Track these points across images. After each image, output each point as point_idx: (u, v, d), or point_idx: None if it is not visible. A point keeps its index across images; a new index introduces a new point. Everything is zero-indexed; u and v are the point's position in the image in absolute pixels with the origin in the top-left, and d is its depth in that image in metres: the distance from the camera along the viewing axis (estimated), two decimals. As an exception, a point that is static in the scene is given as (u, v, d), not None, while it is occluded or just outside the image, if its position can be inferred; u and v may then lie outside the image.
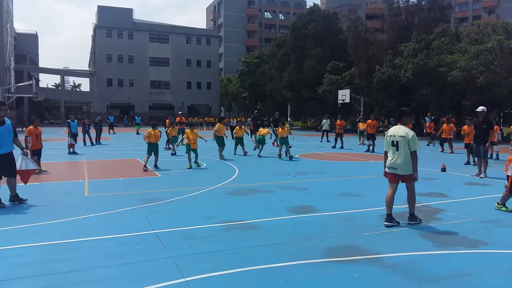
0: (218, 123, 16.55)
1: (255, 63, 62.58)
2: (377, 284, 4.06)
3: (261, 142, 16.79)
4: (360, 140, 24.11)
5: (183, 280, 4.14)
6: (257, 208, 7.41)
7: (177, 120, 25.17)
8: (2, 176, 7.57)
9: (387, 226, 6.15)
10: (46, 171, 11.64)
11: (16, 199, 7.60)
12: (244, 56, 71.07)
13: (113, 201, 7.94)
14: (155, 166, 12.75)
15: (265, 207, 7.47)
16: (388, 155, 6.37)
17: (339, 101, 39.15)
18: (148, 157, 12.46)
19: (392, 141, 6.26)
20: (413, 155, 6.12)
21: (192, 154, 13.27)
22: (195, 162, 13.34)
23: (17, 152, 7.80)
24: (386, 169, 6.40)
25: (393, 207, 6.29)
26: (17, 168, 7.86)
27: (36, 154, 11.50)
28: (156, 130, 12.86)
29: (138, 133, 34.64)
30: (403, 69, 31.29)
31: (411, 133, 6.15)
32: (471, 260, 4.81)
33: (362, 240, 5.47)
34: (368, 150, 18.70)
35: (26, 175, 8.09)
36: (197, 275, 4.27)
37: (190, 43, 70.03)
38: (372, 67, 35.94)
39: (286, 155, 15.68)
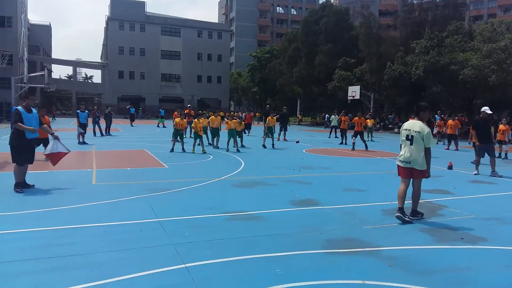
0: (212, 116, 17.69)
1: (266, 58, 62.46)
2: (373, 275, 4.12)
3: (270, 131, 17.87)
4: (367, 136, 24.07)
5: (183, 266, 4.25)
6: (260, 200, 7.50)
7: (185, 113, 25.37)
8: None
9: (397, 218, 6.12)
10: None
11: (18, 186, 7.76)
12: (255, 50, 70.99)
13: (120, 189, 8.09)
14: (183, 149, 14.93)
15: (269, 200, 7.55)
16: (402, 148, 6.34)
17: (349, 98, 39.01)
18: (175, 142, 14.96)
19: (407, 135, 6.24)
20: (427, 151, 6.11)
21: (198, 141, 15.08)
22: (203, 150, 14.89)
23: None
24: (399, 163, 6.35)
25: (397, 202, 6.32)
26: (48, 151, 8.36)
27: (43, 143, 11.69)
28: (184, 120, 15.34)
29: (158, 126, 34.01)
30: (414, 66, 31.06)
31: (426, 129, 6.11)
32: (469, 255, 4.85)
33: (362, 234, 5.53)
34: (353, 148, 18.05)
35: (56, 158, 8.45)
36: (197, 261, 4.37)
37: (202, 37, 70.11)
38: (383, 63, 35.73)
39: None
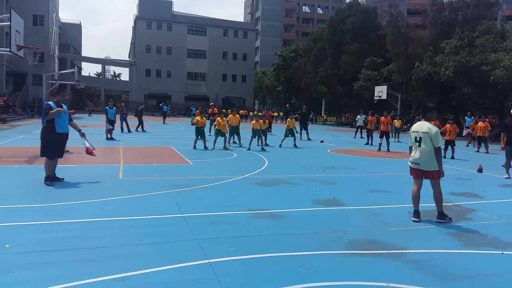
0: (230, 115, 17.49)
1: (291, 57, 62.23)
2: (398, 277, 4.05)
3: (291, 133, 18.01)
4: (394, 137, 23.67)
5: (206, 261, 4.29)
6: (283, 199, 7.49)
7: (209, 112, 25.60)
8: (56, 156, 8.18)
9: (415, 221, 6.11)
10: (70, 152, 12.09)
11: (49, 179, 7.99)
12: (280, 49, 70.84)
13: (145, 185, 8.23)
14: (205, 147, 15.23)
15: (292, 199, 7.53)
16: (412, 150, 6.40)
17: (375, 98, 38.44)
18: (197, 140, 15.40)
19: (415, 137, 6.27)
20: (437, 151, 6.12)
21: (220, 138, 15.89)
22: (224, 146, 15.83)
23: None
24: (410, 164, 6.41)
25: (425, 205, 6.20)
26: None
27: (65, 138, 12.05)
28: (203, 118, 15.84)
29: (192, 124, 33.83)
30: (443, 66, 30.31)
31: (434, 129, 6.14)
32: (498, 261, 4.70)
33: (387, 236, 5.44)
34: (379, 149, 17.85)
35: (89, 152, 8.76)
36: (220, 257, 4.40)
37: (227, 36, 70.47)
38: (411, 63, 35.01)
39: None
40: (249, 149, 15.73)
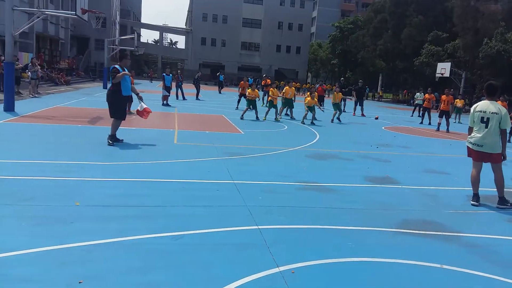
0: (286, 86, 17.43)
1: (349, 29, 59.97)
2: (452, 260, 3.91)
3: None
4: (455, 118, 22.48)
5: (256, 227, 4.37)
6: (334, 173, 7.41)
7: (262, 83, 25.49)
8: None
9: (474, 205, 5.84)
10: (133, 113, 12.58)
11: (112, 138, 8.42)
12: (338, 21, 68.42)
13: (198, 150, 8.45)
14: (256, 118, 15.35)
15: (343, 173, 7.43)
16: (474, 131, 5.98)
17: (437, 75, 36.36)
18: (246, 110, 15.42)
19: (482, 117, 5.85)
20: (503, 133, 5.79)
21: (272, 110, 15.96)
22: (275, 118, 15.76)
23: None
24: (471, 146, 6.02)
25: (485, 189, 5.89)
26: (138, 109, 9.13)
27: (128, 100, 12.58)
28: (255, 90, 15.63)
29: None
30: (516, 44, 27.98)
31: (504, 110, 5.77)
32: None
33: (442, 217, 5.25)
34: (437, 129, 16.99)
35: (145, 114, 9.14)
36: (269, 225, 4.47)
37: (284, 5, 68.97)
38: (480, 40, 32.62)
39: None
40: (303, 122, 15.59)
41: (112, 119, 8.50)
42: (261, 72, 59.46)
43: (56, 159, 6.72)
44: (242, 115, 15.38)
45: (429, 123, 19.28)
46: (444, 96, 17.25)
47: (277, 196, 5.64)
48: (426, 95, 20.30)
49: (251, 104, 15.42)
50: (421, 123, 19.75)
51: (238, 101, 19.65)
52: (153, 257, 3.52)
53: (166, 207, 4.81)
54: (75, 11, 13.68)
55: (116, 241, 3.76)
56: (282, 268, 3.47)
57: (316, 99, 16.25)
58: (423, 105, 20.55)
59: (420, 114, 21.65)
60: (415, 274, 3.60)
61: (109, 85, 8.67)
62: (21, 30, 14.17)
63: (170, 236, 3.97)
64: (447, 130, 16.50)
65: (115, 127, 8.47)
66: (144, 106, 9.11)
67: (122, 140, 8.64)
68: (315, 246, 4.02)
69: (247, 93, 15.93)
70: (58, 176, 5.71)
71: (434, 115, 19.35)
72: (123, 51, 9.24)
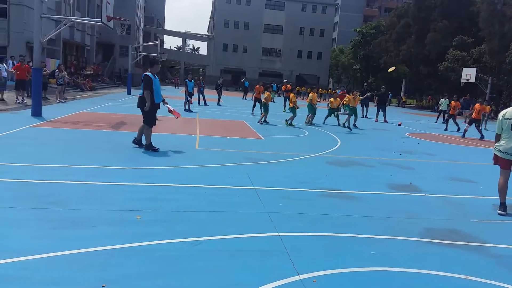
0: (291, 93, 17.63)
1: (371, 34, 59.37)
2: (478, 271, 3.79)
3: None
4: (482, 125, 21.88)
5: (276, 234, 4.33)
6: (356, 180, 7.30)
7: (283, 89, 25.49)
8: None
9: (501, 215, 5.65)
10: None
11: (149, 147, 8.48)
12: (360, 26, 67.87)
13: (220, 156, 8.48)
14: (265, 121, 15.61)
15: (365, 180, 7.31)
16: (503, 138, 5.78)
17: (462, 80, 35.55)
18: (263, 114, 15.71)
19: (511, 125, 5.65)
20: None
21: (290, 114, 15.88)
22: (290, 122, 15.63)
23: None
24: (499, 154, 5.82)
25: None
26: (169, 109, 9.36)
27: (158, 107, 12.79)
28: (269, 93, 16.13)
29: (273, 101, 30.92)
30: (546, 48, 27.13)
31: None
32: None
33: (468, 227, 5.09)
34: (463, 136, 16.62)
35: (176, 113, 9.51)
36: (290, 232, 4.43)
37: (305, 11, 68.94)
38: (506, 44, 31.79)
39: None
40: (346, 126, 15.82)
41: (144, 126, 8.49)
42: (282, 78, 59.48)
43: (80, 163, 6.86)
44: (265, 119, 15.65)
45: (458, 130, 18.80)
46: (478, 105, 16.85)
47: (298, 202, 5.59)
48: (452, 102, 19.86)
49: (265, 107, 15.85)
50: (446, 129, 19.33)
51: (253, 106, 19.60)
52: (172, 262, 3.53)
53: (187, 212, 4.83)
54: (101, 19, 13.99)
55: (137, 246, 3.79)
56: (303, 276, 3.43)
57: (338, 100, 16.32)
58: (449, 112, 20.10)
59: (445, 121, 21.16)
60: (439, 285, 3.50)
61: (139, 92, 8.71)
62: (48, 37, 14.59)
63: (189, 242, 3.97)
64: (481, 138, 16.08)
65: (148, 136, 8.49)
66: (171, 108, 9.30)
67: (158, 148, 8.51)
68: (337, 255, 3.95)
69: (262, 98, 16.11)
70: (82, 180, 5.82)
71: (460, 120, 18.90)
72: (154, 58, 9.32)
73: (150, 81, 8.27)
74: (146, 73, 8.42)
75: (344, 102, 16.78)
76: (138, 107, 8.61)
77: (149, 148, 8.44)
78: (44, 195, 5.04)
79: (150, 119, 8.48)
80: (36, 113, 12.74)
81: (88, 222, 4.27)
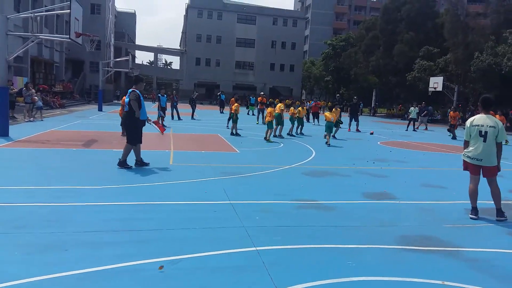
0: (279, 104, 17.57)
1: (341, 46, 60.72)
2: (453, 276, 3.86)
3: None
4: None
5: (253, 248, 4.30)
6: (331, 190, 7.36)
7: (258, 100, 25.63)
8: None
9: (472, 219, 5.81)
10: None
11: (123, 164, 8.37)
12: (330, 38, 69.34)
13: (195, 171, 8.39)
14: (236, 133, 15.96)
15: (340, 190, 7.39)
16: (471, 145, 5.98)
17: (430, 89, 36.68)
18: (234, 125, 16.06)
19: (480, 131, 5.86)
20: (499, 146, 5.83)
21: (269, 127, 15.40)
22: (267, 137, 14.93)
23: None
24: (468, 160, 6.02)
25: (481, 202, 5.87)
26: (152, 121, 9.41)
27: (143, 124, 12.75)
28: (237, 105, 16.50)
29: (249, 114, 31.87)
30: (506, 57, 28.40)
31: (500, 123, 5.84)
32: None
33: (441, 232, 5.20)
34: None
35: (160, 128, 9.96)
36: (267, 245, 4.40)
37: (277, 24, 69.92)
38: (471, 54, 33.08)
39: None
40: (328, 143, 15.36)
41: (126, 144, 8.43)
42: (256, 91, 59.79)
43: (49, 185, 6.65)
44: (236, 131, 16.11)
45: (454, 138, 19.94)
46: (452, 112, 18.13)
47: (275, 215, 5.58)
48: (451, 113, 21.25)
49: (234, 119, 16.30)
50: (454, 138, 20.23)
51: (229, 119, 19.53)
52: (149, 283, 3.44)
53: (162, 231, 4.73)
54: (69, 35, 13.74)
55: (111, 268, 3.68)
56: (281, 291, 3.40)
57: (305, 109, 16.86)
58: (450, 122, 21.07)
59: (415, 128, 21.82)
60: (416, 293, 3.54)
61: (112, 108, 8.62)
62: (15, 55, 14.22)
63: (166, 260, 3.89)
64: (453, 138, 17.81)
65: (126, 153, 8.39)
66: (154, 119, 9.51)
67: (132, 166, 8.42)
68: (315, 267, 3.95)
69: (233, 110, 16.32)
70: (51, 202, 5.64)
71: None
72: (138, 76, 9.30)
73: (138, 97, 8.32)
74: (134, 90, 8.42)
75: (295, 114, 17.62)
76: (121, 124, 8.56)
77: (123, 165, 8.29)
78: (11, 219, 4.85)
79: (134, 137, 8.41)
80: (3, 133, 12.32)
81: (60, 246, 4.12)
